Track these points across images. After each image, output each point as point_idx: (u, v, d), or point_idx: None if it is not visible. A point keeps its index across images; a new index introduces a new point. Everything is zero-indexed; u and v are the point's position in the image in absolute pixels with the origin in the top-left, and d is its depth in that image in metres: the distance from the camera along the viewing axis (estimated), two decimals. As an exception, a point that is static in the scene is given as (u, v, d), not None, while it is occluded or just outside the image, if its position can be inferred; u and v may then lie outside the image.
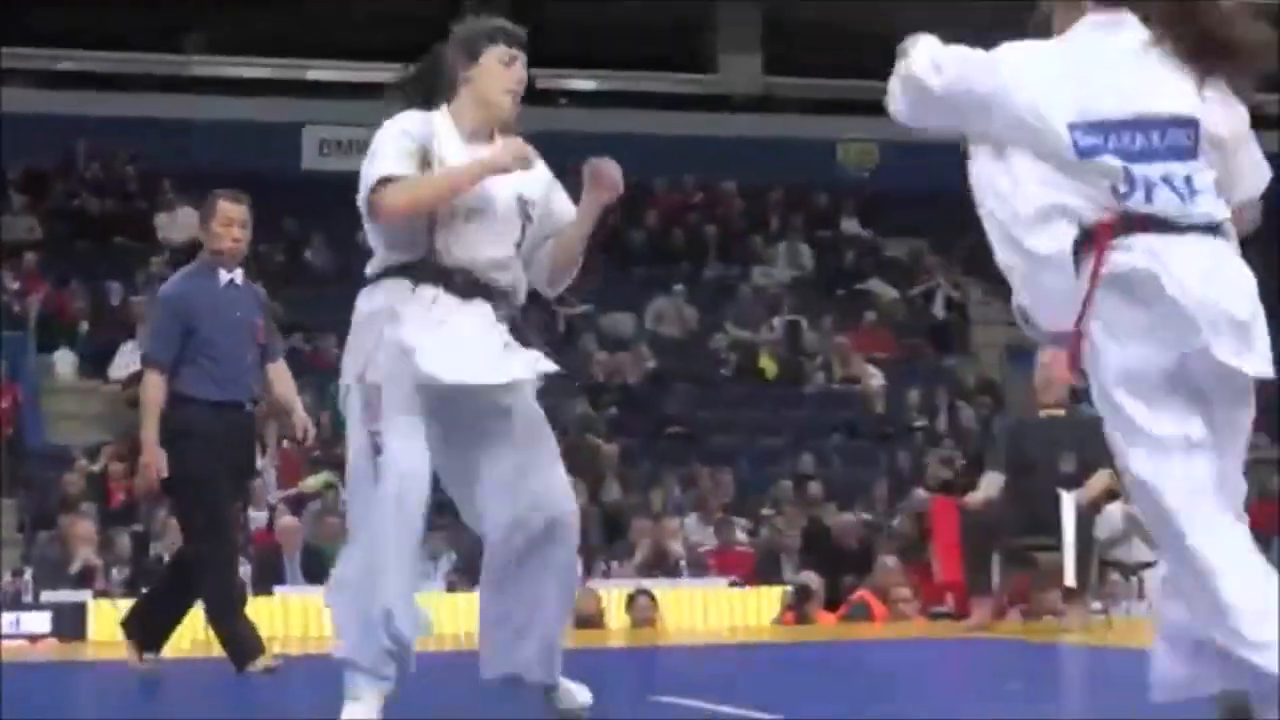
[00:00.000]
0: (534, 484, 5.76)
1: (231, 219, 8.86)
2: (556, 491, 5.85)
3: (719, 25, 31.49)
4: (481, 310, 5.77)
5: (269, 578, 15.13)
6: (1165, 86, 4.63)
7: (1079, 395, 11.98)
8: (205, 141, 25.43)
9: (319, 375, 21.03)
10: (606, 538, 16.99)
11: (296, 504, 17.18)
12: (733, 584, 15.58)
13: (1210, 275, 4.41)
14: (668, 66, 31.34)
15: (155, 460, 8.62)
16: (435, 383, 5.57)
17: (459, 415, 5.72)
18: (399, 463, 5.62)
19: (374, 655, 5.66)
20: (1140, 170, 4.51)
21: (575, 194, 6.10)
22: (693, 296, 24.59)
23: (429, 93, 6.13)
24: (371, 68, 29.92)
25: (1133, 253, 4.43)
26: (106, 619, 14.06)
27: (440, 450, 5.73)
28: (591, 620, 13.90)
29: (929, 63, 4.99)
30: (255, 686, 8.27)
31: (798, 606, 14.78)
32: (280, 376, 9.07)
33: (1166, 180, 4.52)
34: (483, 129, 5.97)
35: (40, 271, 22.71)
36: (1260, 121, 4.82)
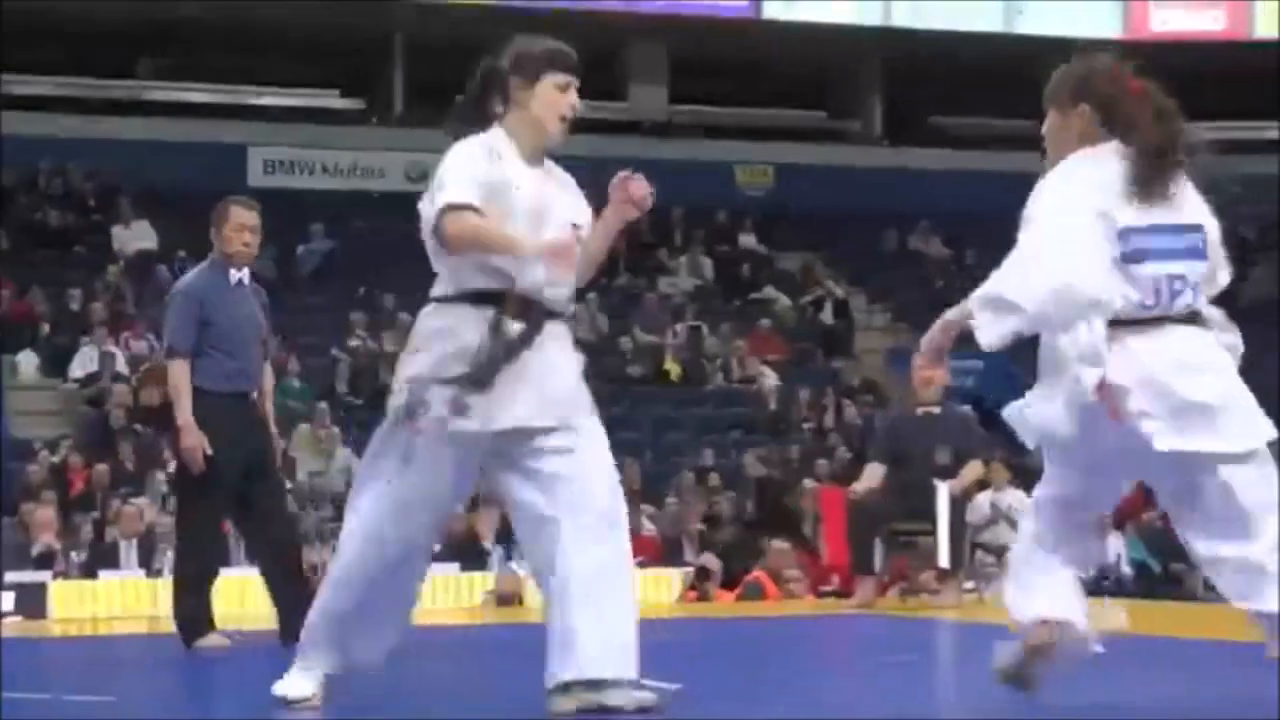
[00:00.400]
0: None
1: (243, 224, 8.75)
2: None
3: (629, 59, 31.55)
4: (561, 339, 5.69)
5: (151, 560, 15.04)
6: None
7: (952, 394, 12.10)
8: (157, 160, 25.25)
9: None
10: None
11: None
12: (640, 565, 15.58)
13: None
14: (583, 95, 31.11)
15: (197, 441, 8.40)
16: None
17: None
18: (413, 490, 5.40)
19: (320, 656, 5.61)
20: None
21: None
22: (604, 304, 24.61)
23: (484, 114, 5.76)
24: (310, 94, 29.96)
25: None
26: (65, 599, 14.01)
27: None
28: (511, 598, 13.90)
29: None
30: (203, 661, 8.20)
31: (698, 586, 14.83)
32: (265, 372, 8.98)
33: None
34: (537, 151, 5.76)
35: (4, 279, 22.53)
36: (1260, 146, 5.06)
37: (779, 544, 15.05)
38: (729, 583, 15.08)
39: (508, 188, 5.49)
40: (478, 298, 5.40)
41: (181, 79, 28.57)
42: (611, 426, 19.62)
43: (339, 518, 16.26)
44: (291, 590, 8.55)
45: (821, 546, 15.03)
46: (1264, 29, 31.27)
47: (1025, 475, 18.30)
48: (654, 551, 16.27)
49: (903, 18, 31.17)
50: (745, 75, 31.04)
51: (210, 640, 8.43)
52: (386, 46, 29.88)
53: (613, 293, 25.29)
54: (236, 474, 8.54)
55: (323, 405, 19.90)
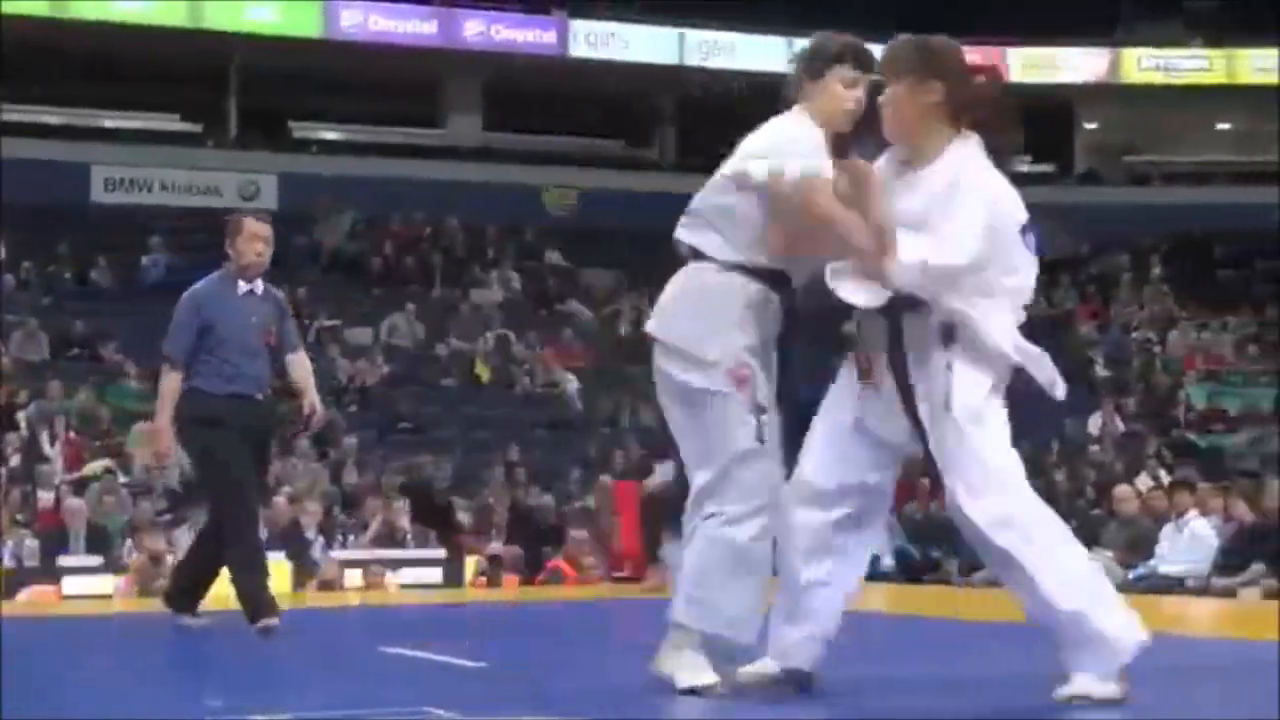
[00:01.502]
0: None
1: (256, 235, 8.39)
2: None
3: (447, 89, 31.53)
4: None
5: (55, 552, 14.69)
6: None
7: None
8: (9, 177, 24.65)
9: (101, 375, 20.68)
10: (346, 515, 16.82)
11: (79, 486, 16.69)
12: (449, 558, 15.49)
13: None
14: (404, 122, 31.28)
15: (163, 440, 8.34)
16: None
17: None
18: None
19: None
20: None
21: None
22: (421, 314, 24.52)
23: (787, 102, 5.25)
24: (150, 118, 29.52)
25: None
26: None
27: None
28: (331, 584, 13.78)
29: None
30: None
31: (490, 573, 14.82)
32: (299, 363, 8.63)
33: None
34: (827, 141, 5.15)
35: None
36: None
37: (575, 533, 15.06)
38: (535, 569, 15.07)
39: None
40: (756, 273, 5.17)
41: (31, 102, 28.04)
42: (427, 426, 19.66)
43: (172, 509, 16.10)
44: (211, 571, 8.40)
45: (616, 536, 15.05)
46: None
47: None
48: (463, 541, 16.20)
49: (695, 57, 31.49)
50: (553, 107, 31.13)
51: (267, 621, 7.97)
52: (223, 75, 29.56)
53: (430, 304, 25.22)
54: (249, 465, 8.25)
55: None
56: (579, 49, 31.07)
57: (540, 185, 30.21)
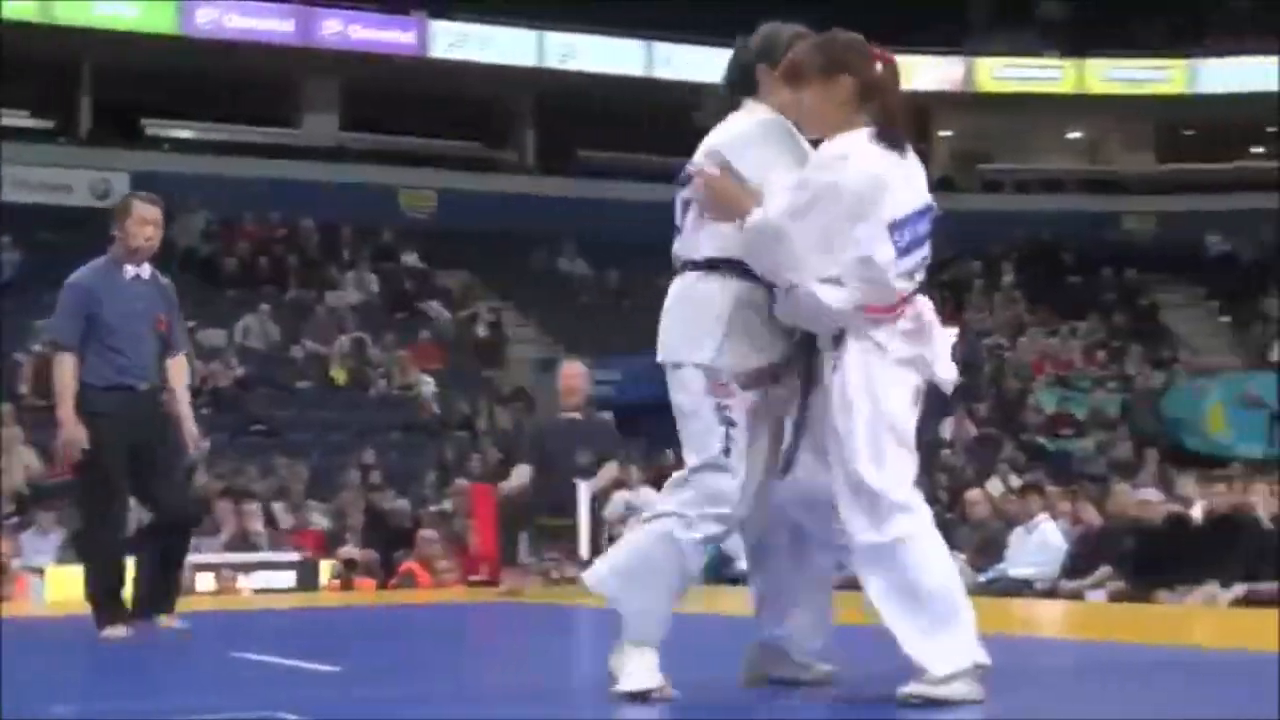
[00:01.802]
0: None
1: (146, 219, 8.07)
2: None
3: (303, 89, 31.27)
4: None
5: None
6: None
7: (593, 401, 12.19)
8: None
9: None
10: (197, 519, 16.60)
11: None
12: (305, 559, 15.33)
13: None
14: (260, 121, 30.99)
15: (77, 436, 7.82)
16: None
17: None
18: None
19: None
20: None
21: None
22: (276, 315, 24.26)
23: (746, 93, 5.25)
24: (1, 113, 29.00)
25: None
26: None
27: None
28: (183, 588, 13.57)
29: None
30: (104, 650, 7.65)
31: (344, 576, 14.70)
32: (176, 372, 8.27)
33: None
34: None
35: None
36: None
37: (426, 533, 14.99)
38: (390, 573, 14.96)
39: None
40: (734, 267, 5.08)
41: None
42: (282, 428, 19.42)
43: (19, 512, 15.78)
44: (163, 577, 8.16)
45: (472, 539, 14.98)
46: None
47: (660, 475, 18.58)
48: (319, 544, 16.05)
49: (554, 59, 31.47)
50: (411, 107, 30.97)
51: (112, 632, 7.80)
52: (75, 71, 29.12)
53: (285, 305, 24.95)
54: (123, 465, 7.94)
55: (6, 406, 19.14)
56: (438, 50, 30.96)
57: (397, 186, 30.06)
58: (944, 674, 4.72)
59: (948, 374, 5.00)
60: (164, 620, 8.02)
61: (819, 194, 4.83)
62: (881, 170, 4.87)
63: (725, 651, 5.52)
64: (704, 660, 5.64)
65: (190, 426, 8.33)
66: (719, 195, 4.99)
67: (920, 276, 4.95)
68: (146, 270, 8.18)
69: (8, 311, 22.76)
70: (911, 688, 4.76)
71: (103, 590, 7.92)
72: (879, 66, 4.97)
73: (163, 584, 8.19)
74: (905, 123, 4.98)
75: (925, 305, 4.98)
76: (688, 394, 5.06)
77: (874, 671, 4.98)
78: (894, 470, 4.88)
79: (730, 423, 4.97)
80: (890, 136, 4.93)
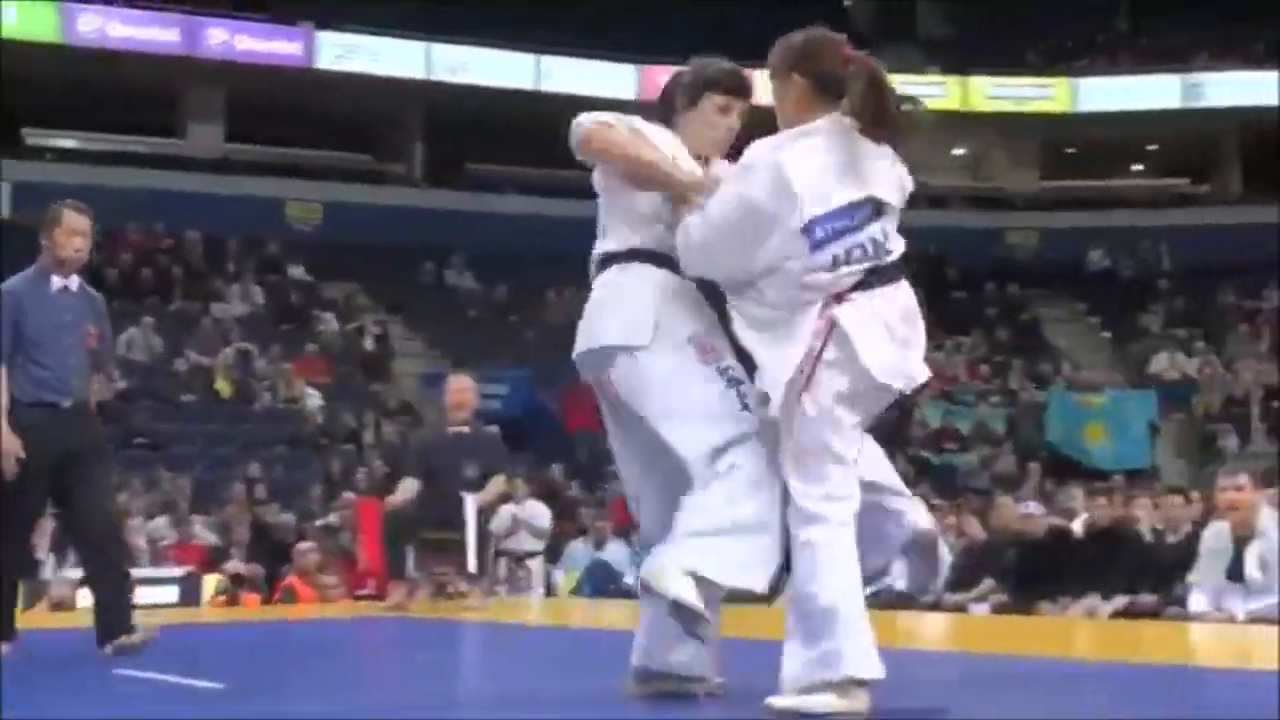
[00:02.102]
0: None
1: (75, 229, 7.80)
2: None
3: (188, 99, 30.98)
4: None
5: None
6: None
7: (480, 415, 12.14)
8: None
9: None
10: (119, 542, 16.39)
11: None
12: (189, 574, 15.18)
13: None
14: (143, 131, 30.65)
15: (12, 447, 7.45)
16: None
17: None
18: None
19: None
20: None
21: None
22: (160, 327, 24.02)
23: (665, 120, 5.31)
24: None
25: None
26: None
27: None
28: (64, 604, 13.41)
29: None
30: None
31: (229, 592, 14.57)
32: (94, 389, 7.96)
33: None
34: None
35: None
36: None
37: (303, 546, 14.89)
38: (274, 588, 14.84)
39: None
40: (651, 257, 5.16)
41: None
42: (166, 442, 19.25)
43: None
44: (111, 596, 7.81)
45: (359, 553, 14.90)
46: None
47: (547, 489, 18.58)
48: (202, 558, 15.90)
49: (443, 72, 31.40)
50: (298, 119, 30.77)
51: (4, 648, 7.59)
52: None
53: (169, 317, 24.72)
54: (42, 484, 7.66)
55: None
56: (325, 61, 30.79)
57: (284, 198, 29.86)
58: (807, 684, 4.73)
59: (886, 374, 4.86)
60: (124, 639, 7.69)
61: (729, 207, 4.84)
62: (791, 174, 4.80)
63: (612, 666, 5.50)
64: (589, 672, 5.63)
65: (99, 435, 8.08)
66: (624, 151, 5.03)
67: (860, 265, 4.86)
68: (75, 282, 7.92)
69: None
70: (774, 698, 4.77)
71: None
72: (845, 67, 4.92)
73: (116, 609, 7.83)
74: (874, 118, 4.88)
75: (884, 300, 4.93)
76: (638, 377, 5.03)
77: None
78: (809, 478, 4.85)
79: (738, 380, 4.99)
80: (842, 130, 4.89)
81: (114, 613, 7.72)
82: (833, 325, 4.79)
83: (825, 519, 4.83)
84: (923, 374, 4.97)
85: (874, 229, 4.92)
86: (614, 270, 5.17)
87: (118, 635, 7.58)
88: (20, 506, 7.74)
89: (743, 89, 5.29)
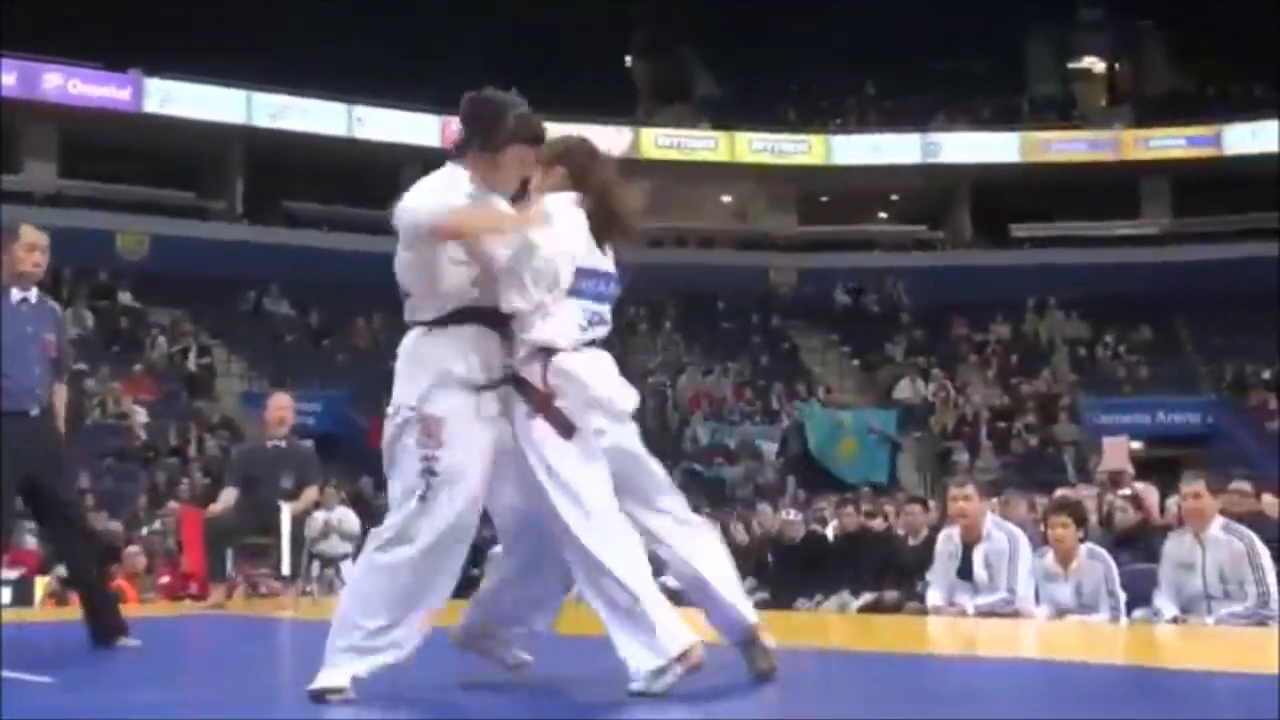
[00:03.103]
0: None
1: (34, 244, 7.41)
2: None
3: (24, 137, 30.22)
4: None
5: None
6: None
7: (296, 430, 11.98)
8: None
9: None
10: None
11: None
12: (21, 577, 14.74)
13: None
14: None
15: None
16: None
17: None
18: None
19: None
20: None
21: None
22: (-5, 348, 23.31)
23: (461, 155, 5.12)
24: None
25: None
26: None
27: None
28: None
29: None
30: None
31: (58, 593, 14.22)
32: (56, 396, 7.49)
33: None
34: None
35: None
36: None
37: (131, 549, 14.60)
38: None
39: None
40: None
41: None
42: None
43: None
44: (96, 597, 7.49)
45: (182, 557, 14.61)
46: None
47: (356, 498, 18.37)
48: (34, 562, 15.46)
49: (263, 118, 31.04)
50: (127, 157, 30.19)
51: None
52: None
53: (3, 338, 24.00)
54: (13, 494, 7.24)
55: None
56: (152, 105, 30.24)
57: (114, 230, 29.22)
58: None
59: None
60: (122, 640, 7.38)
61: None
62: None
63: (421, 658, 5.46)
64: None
65: (61, 443, 7.61)
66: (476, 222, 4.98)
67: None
68: (34, 294, 7.52)
69: None
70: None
71: None
72: (597, 165, 5.19)
73: (107, 611, 7.55)
74: (618, 208, 5.18)
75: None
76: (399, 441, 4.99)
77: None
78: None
79: (432, 473, 4.91)
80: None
81: (105, 613, 7.48)
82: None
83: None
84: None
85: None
86: (416, 332, 5.06)
87: (116, 635, 7.34)
88: None
89: (542, 137, 5.16)
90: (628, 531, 5.01)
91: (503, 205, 5.10)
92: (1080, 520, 9.57)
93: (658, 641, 4.84)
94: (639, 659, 4.86)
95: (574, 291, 5.02)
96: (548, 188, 5.11)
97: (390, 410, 4.99)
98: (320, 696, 4.86)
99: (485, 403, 4.96)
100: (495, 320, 4.98)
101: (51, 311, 7.67)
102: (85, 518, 7.48)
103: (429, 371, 4.92)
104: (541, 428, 4.98)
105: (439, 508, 4.89)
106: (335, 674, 4.89)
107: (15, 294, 7.44)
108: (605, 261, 5.21)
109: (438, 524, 4.90)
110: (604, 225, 5.17)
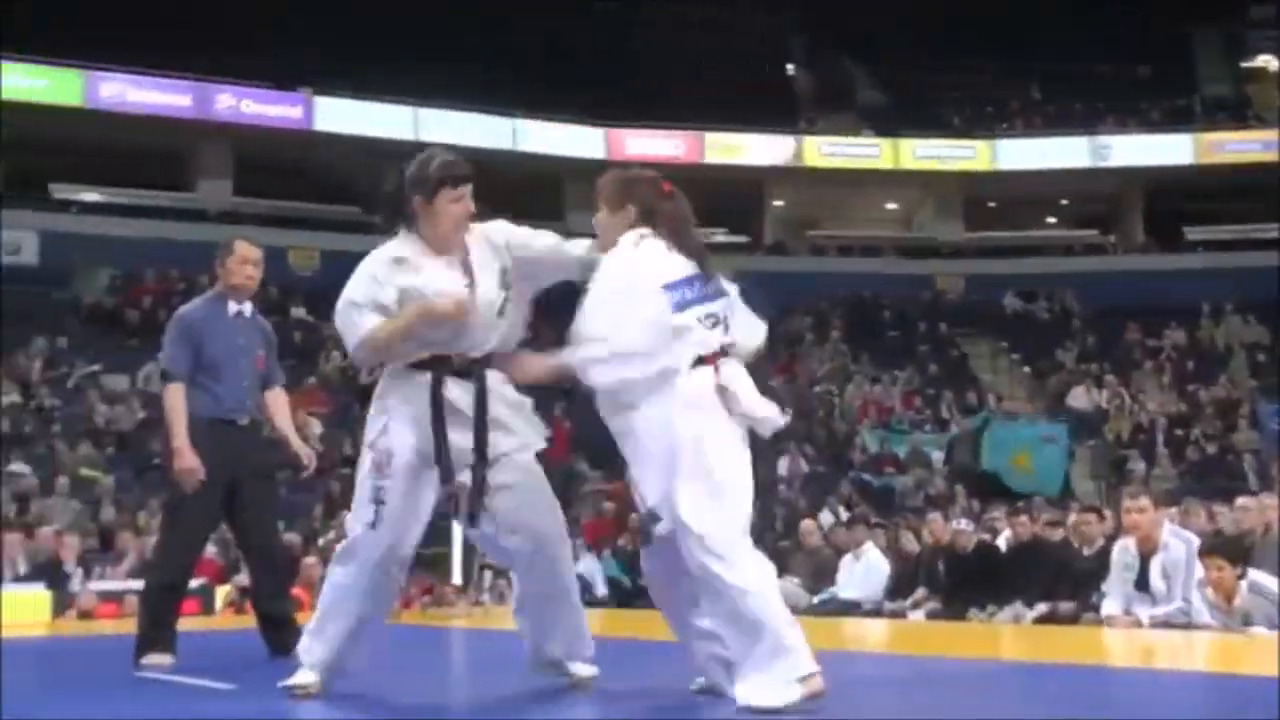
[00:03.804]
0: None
1: (247, 258, 7.75)
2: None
3: (200, 156, 30.98)
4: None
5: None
6: None
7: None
8: None
9: None
10: (102, 549, 16.30)
11: None
12: (203, 585, 15.04)
13: None
14: (158, 186, 30.61)
15: (193, 463, 7.29)
16: None
17: None
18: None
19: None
20: None
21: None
22: (171, 366, 23.91)
23: (395, 222, 5.72)
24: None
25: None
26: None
27: None
28: (89, 613, 13.32)
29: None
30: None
31: (237, 602, 14.49)
32: (276, 403, 7.86)
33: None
34: (444, 247, 5.57)
35: None
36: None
37: (308, 560, 14.82)
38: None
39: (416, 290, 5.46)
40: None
41: None
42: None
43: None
44: (278, 606, 7.66)
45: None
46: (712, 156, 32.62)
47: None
48: (215, 572, 15.80)
49: (428, 134, 31.51)
50: (298, 175, 30.78)
51: (154, 658, 7.24)
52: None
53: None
54: (217, 498, 7.44)
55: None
56: (322, 123, 30.84)
57: (285, 246, 29.80)
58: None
59: (764, 416, 5.18)
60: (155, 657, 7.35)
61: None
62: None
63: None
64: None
65: (299, 445, 7.90)
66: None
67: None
68: (248, 308, 7.80)
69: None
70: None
71: (150, 618, 7.40)
72: (665, 201, 5.29)
73: (280, 623, 7.66)
74: (686, 236, 5.22)
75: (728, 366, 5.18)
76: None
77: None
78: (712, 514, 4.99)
79: (380, 502, 5.47)
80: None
81: (281, 627, 7.55)
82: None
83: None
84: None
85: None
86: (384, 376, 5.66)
87: (287, 647, 7.26)
88: (197, 521, 7.56)
89: (468, 176, 5.64)
90: None
91: (432, 268, 5.49)
92: (1237, 558, 9.30)
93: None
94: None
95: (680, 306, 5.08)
96: (622, 225, 5.24)
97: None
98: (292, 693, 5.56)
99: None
100: (459, 369, 5.41)
101: (263, 329, 7.90)
102: (278, 532, 7.59)
103: (385, 410, 5.50)
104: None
105: (382, 533, 5.46)
106: (306, 673, 5.63)
107: (231, 306, 7.70)
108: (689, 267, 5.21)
109: (379, 546, 5.48)
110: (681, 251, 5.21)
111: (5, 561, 14.45)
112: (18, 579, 14.22)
